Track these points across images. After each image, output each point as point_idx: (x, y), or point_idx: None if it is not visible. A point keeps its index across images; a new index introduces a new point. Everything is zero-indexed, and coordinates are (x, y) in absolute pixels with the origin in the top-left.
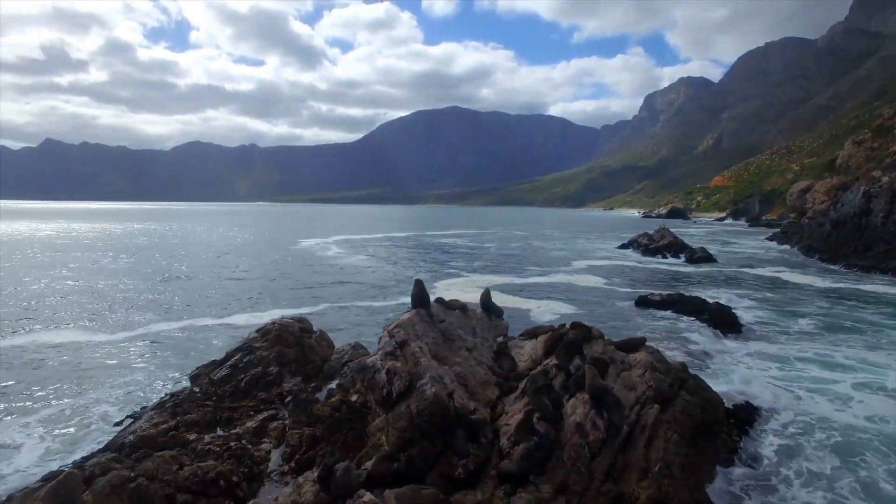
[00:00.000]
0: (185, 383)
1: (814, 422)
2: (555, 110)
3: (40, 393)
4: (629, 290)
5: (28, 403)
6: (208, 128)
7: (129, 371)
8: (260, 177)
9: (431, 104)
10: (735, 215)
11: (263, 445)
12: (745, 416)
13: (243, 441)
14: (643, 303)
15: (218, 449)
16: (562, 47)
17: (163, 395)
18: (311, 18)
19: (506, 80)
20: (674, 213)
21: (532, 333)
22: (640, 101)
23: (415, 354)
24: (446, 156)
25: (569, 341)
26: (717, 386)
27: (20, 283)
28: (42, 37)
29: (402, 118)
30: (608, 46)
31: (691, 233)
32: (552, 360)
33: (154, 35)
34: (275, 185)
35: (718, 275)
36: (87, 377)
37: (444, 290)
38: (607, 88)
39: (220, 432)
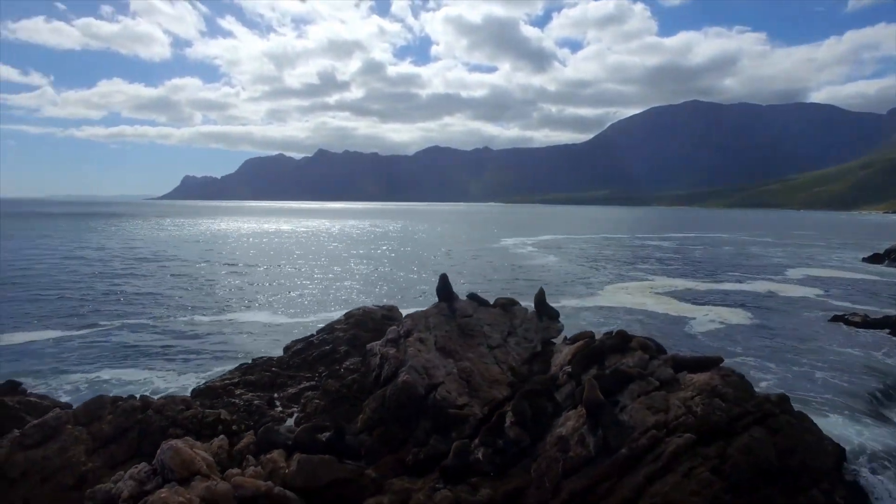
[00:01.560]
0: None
1: None
2: (819, 97)
3: (212, 355)
4: (841, 304)
5: (207, 362)
6: (445, 133)
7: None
8: (492, 178)
9: (666, 100)
10: None
11: (292, 409)
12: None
13: (276, 402)
14: (839, 321)
15: (241, 403)
16: (830, 19)
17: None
18: (541, 21)
19: (754, 66)
20: None
21: (575, 339)
22: None
23: (406, 343)
24: (683, 154)
25: (589, 350)
26: (867, 431)
27: (252, 269)
28: (318, 65)
29: (634, 116)
30: None
31: None
32: (567, 368)
33: (401, 52)
34: (506, 186)
35: None
36: (254, 347)
37: (612, 292)
38: None
39: (263, 393)
